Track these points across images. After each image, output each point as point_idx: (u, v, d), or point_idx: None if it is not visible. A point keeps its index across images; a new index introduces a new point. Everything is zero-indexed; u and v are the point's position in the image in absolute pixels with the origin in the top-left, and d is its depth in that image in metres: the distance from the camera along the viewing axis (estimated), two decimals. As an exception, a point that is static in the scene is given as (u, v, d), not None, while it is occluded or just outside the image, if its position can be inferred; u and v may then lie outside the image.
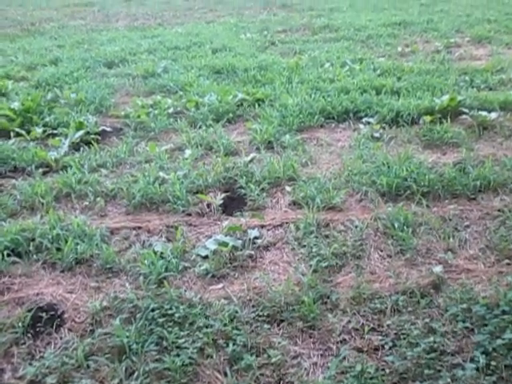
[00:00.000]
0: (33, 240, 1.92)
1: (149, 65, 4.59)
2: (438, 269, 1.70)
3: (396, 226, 1.95)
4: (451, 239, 1.89)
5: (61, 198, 2.33)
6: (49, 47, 5.98)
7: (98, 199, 2.25)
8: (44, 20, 8.55)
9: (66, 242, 1.86)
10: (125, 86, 4.13)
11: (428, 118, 3.03)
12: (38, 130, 3.12)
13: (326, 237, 1.93)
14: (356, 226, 1.98)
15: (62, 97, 3.79)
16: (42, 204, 2.23)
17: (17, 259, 1.84)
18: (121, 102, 3.78)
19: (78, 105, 3.57)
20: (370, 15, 7.62)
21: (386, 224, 1.99)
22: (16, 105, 3.51)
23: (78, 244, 1.87)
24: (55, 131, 3.15)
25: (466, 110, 3.15)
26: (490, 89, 3.82)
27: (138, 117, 3.22)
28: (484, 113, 3.09)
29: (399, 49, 5.23)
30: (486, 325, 1.42)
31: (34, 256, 1.86)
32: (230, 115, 3.25)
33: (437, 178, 2.31)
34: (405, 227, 1.94)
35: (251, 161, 2.53)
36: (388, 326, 1.46)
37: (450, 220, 2.04)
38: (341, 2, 9.54)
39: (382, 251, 1.86)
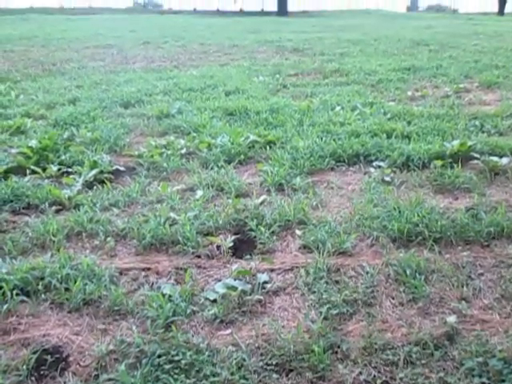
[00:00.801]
0: (42, 279, 1.92)
1: (163, 106, 4.71)
2: (451, 319, 1.66)
3: (408, 272, 1.92)
4: (465, 288, 1.86)
5: (72, 236, 2.35)
6: (68, 87, 6.17)
7: (109, 239, 2.26)
8: (65, 61, 8.87)
9: (75, 281, 1.86)
10: (139, 126, 4.23)
11: (439, 163, 3.04)
12: (54, 168, 3.18)
13: (337, 282, 1.90)
14: (367, 272, 1.95)
15: (79, 135, 3.89)
16: (53, 242, 2.25)
17: (25, 298, 1.83)
18: (135, 141, 3.86)
19: (94, 144, 3.65)
20: (379, 60, 7.81)
21: (397, 270, 1.96)
22: (34, 143, 3.60)
23: (86, 284, 1.86)
24: (70, 169, 3.21)
25: (476, 155, 3.17)
26: (501, 134, 3.84)
27: (151, 157, 3.28)
28: (495, 158, 3.10)
29: (409, 93, 5.32)
30: (503, 380, 1.37)
31: (43, 295, 1.85)
32: (242, 157, 3.29)
33: (449, 223, 2.29)
34: (417, 274, 1.91)
35: (262, 203, 2.54)
36: (401, 379, 1.41)
37: (464, 267, 2.01)
38: (351, 47, 9.82)
39: (393, 299, 1.82)
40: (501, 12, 48.25)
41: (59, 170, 3.19)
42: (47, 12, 29.15)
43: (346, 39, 11.45)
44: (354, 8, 48.48)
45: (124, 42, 11.83)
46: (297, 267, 2.02)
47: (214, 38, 12.31)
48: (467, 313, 1.72)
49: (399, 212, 2.37)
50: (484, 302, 1.79)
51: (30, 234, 2.34)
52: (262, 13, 37.45)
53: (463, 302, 1.77)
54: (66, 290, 1.85)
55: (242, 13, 37.45)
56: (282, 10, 36.30)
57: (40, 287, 1.88)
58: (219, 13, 37.01)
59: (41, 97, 5.56)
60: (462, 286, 1.86)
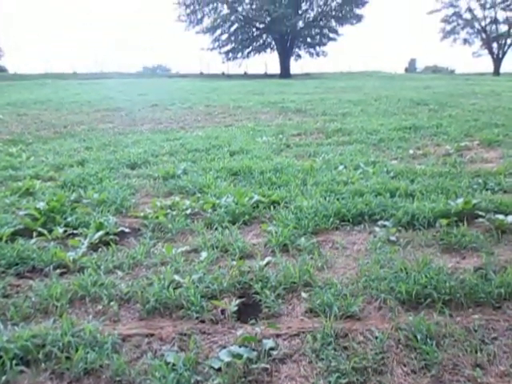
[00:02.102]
0: (43, 347, 1.87)
1: (169, 167, 4.81)
2: (467, 389, 1.58)
3: (419, 337, 1.86)
4: (479, 353, 1.79)
5: (75, 300, 2.31)
6: (77, 149, 6.34)
7: (112, 303, 2.22)
8: (76, 123, 9.18)
9: (77, 350, 1.81)
10: (145, 186, 4.29)
11: (444, 222, 3.03)
12: (60, 230, 3.20)
13: (345, 349, 1.84)
14: (376, 337, 1.89)
15: (86, 197, 3.94)
16: (56, 307, 2.21)
17: (24, 368, 1.78)
18: (141, 202, 3.90)
19: (100, 205, 3.69)
20: (381, 120, 8.03)
21: (407, 335, 1.90)
22: (41, 205, 3.64)
23: (88, 353, 1.81)
24: (76, 231, 3.22)
25: (482, 213, 3.16)
26: (505, 191, 3.85)
27: (157, 218, 3.30)
28: (501, 216, 3.09)
29: (411, 152, 5.42)
30: None
31: (43, 365, 1.79)
32: (246, 217, 3.30)
33: (458, 284, 2.25)
34: (428, 339, 1.85)
35: (266, 265, 2.52)
36: None
37: (476, 331, 1.94)
38: (352, 107, 10.14)
39: (405, 366, 1.75)
40: (496, 72, 50.10)
41: (65, 231, 3.21)
42: (62, 77, 30.64)
43: (347, 100, 11.85)
44: (354, 70, 50.58)
45: (133, 104, 12.30)
46: (303, 332, 1.96)
47: (219, 100, 12.79)
48: (483, 381, 1.64)
49: (406, 273, 2.34)
50: (500, 369, 1.71)
51: (34, 298, 2.31)
52: (266, 75, 39.14)
53: (478, 368, 1.70)
54: (67, 358, 1.80)
55: (246, 75, 39.14)
56: (285, 72, 37.95)
57: (40, 356, 1.82)
58: (224, 76, 38.72)
59: (51, 158, 5.70)
60: (476, 352, 1.79)
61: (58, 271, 2.60)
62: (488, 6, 49.42)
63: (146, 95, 15.52)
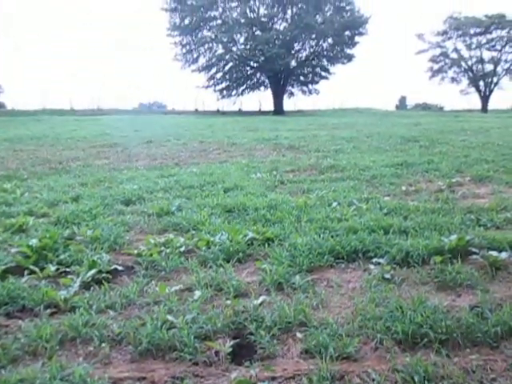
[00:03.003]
0: (30, 392, 1.81)
1: (164, 203, 4.82)
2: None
3: (416, 379, 1.83)
4: (478, 396, 1.75)
5: (66, 342, 2.26)
6: (72, 185, 6.34)
7: (104, 345, 2.17)
8: (71, 159, 9.22)
9: (65, 395, 1.76)
10: (140, 223, 4.28)
11: (438, 258, 3.04)
12: (52, 268, 3.16)
13: (342, 392, 1.80)
14: (373, 379, 1.86)
15: (79, 233, 3.92)
16: (46, 349, 2.16)
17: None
18: (135, 239, 3.88)
19: (94, 242, 3.66)
20: (373, 156, 8.15)
21: (405, 377, 1.86)
22: (34, 242, 3.61)
23: (77, 398, 1.76)
24: (68, 269, 3.18)
25: (475, 250, 3.17)
26: (497, 227, 3.88)
27: (150, 255, 3.28)
28: (494, 253, 3.10)
29: (403, 188, 5.47)
30: None
31: (29, 412, 1.74)
32: (241, 255, 3.29)
33: (454, 323, 2.23)
34: (426, 381, 1.82)
35: (261, 304, 2.49)
36: None
37: (474, 372, 1.91)
38: (345, 144, 10.31)
39: (403, 410, 1.71)
40: (484, 109, 51.44)
41: (57, 269, 3.16)
42: (59, 113, 31.04)
43: (340, 136, 12.05)
44: (346, 107, 51.73)
45: (129, 140, 12.43)
46: (299, 375, 1.92)
47: (214, 137, 12.96)
48: (483, 426, 1.60)
49: (402, 312, 2.32)
50: (500, 413, 1.68)
51: (23, 339, 2.25)
52: (260, 112, 39.87)
53: (477, 413, 1.67)
54: (55, 404, 1.74)
55: (240, 112, 39.85)
56: (279, 109, 38.72)
57: (27, 402, 1.77)
58: (219, 112, 39.39)
59: (45, 195, 5.69)
60: (475, 395, 1.76)
61: (49, 311, 2.55)
62: (473, 46, 51.37)
63: (141, 131, 15.71)
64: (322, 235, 3.52)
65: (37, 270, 3.12)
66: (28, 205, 5.10)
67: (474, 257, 3.10)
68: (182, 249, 3.44)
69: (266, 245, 3.46)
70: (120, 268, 3.19)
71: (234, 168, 7.31)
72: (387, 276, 2.86)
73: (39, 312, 2.56)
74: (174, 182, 6.07)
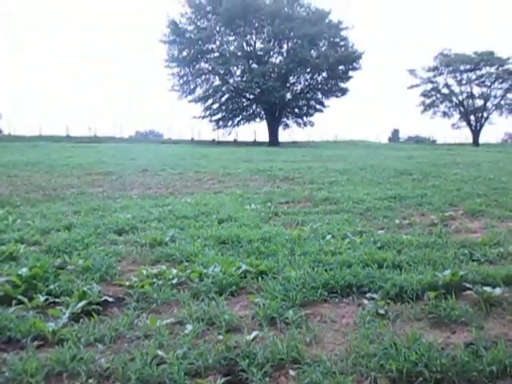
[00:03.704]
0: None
1: (157, 233, 4.79)
2: None
3: (411, 421, 1.79)
4: None
5: (52, 377, 2.19)
6: (65, 212, 6.29)
7: (91, 380, 2.11)
8: (66, 186, 9.20)
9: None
10: (132, 253, 4.24)
11: (432, 294, 3.02)
12: (41, 299, 3.10)
13: (335, 434, 1.75)
14: (367, 421, 1.81)
15: (70, 263, 3.86)
16: (31, 384, 2.09)
17: None
18: (127, 269, 3.83)
19: (85, 272, 3.61)
20: (366, 189, 8.21)
21: (399, 419, 1.82)
22: (24, 271, 3.55)
23: None
24: (58, 300, 3.12)
25: (469, 286, 3.16)
26: (491, 262, 3.88)
27: (142, 287, 3.23)
28: (488, 288, 3.09)
29: (397, 221, 5.49)
30: None
31: None
32: (234, 287, 3.25)
33: (449, 362, 2.20)
34: (421, 423, 1.77)
35: (254, 339, 2.45)
36: None
37: (470, 414, 1.88)
38: (339, 176, 10.39)
39: None
40: (475, 143, 52.40)
41: (46, 300, 3.10)
42: (55, 140, 31.17)
43: (333, 169, 12.16)
44: (340, 139, 52.44)
45: (124, 169, 12.45)
46: (291, 415, 1.87)
47: (209, 167, 13.03)
48: None
49: (396, 349, 2.29)
50: None
51: (7, 373, 2.19)
52: (255, 143, 40.32)
53: None
54: None
55: (235, 143, 40.26)
56: (274, 140, 39.18)
57: None
58: (215, 142, 39.77)
59: (37, 222, 5.64)
60: None
61: (36, 343, 2.49)
62: (464, 82, 52.83)
63: (137, 160, 15.76)
64: (315, 269, 3.50)
65: (25, 300, 3.07)
66: (20, 232, 5.05)
67: (468, 292, 3.09)
68: (175, 281, 3.39)
69: (260, 278, 3.42)
70: (110, 299, 3.13)
71: (228, 199, 7.32)
72: (381, 311, 2.83)
73: (26, 344, 2.49)
74: (168, 212, 6.05)
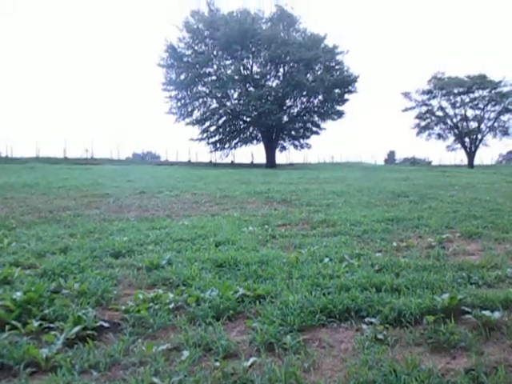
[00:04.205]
0: None
1: (154, 256, 4.75)
2: None
3: None
4: None
5: (44, 406, 2.15)
6: (61, 235, 6.25)
7: (84, 410, 2.07)
8: (62, 208, 9.15)
9: None
10: (129, 277, 4.20)
11: (431, 318, 3.00)
12: (35, 324, 3.05)
13: None
14: None
15: (66, 287, 3.82)
16: (22, 414, 2.04)
17: None
18: (123, 293, 3.79)
19: (80, 296, 3.57)
20: (364, 211, 8.21)
21: None
22: (18, 295, 3.50)
23: None
24: (52, 325, 3.08)
25: (468, 310, 3.14)
26: (489, 285, 3.87)
27: (138, 311, 3.19)
28: (487, 312, 3.07)
29: (394, 244, 5.48)
30: None
31: None
32: (231, 312, 3.22)
33: (450, 389, 2.17)
34: None
35: (251, 366, 2.41)
36: None
37: None
38: (336, 198, 10.41)
39: None
40: (470, 165, 52.85)
41: (41, 325, 3.06)
42: (52, 161, 31.23)
43: (330, 190, 12.20)
44: (337, 160, 52.75)
45: (121, 191, 12.44)
46: None
47: (207, 189, 13.05)
48: None
49: (396, 376, 2.26)
50: None
51: (-1, 402, 2.14)
52: (252, 165, 40.49)
53: None
54: None
55: (233, 165, 40.43)
56: (271, 162, 39.42)
57: None
58: (212, 164, 39.93)
59: (33, 245, 5.60)
60: None
61: (29, 370, 2.45)
62: (458, 104, 53.63)
63: (134, 182, 15.78)
64: (313, 293, 3.47)
65: (19, 325, 3.02)
66: (15, 255, 5.01)
67: (467, 316, 3.07)
68: (171, 305, 3.36)
69: (257, 302, 3.39)
70: (106, 325, 3.09)
71: (225, 221, 7.30)
72: (380, 336, 2.80)
73: (19, 371, 2.45)
74: (165, 235, 6.03)
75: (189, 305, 3.35)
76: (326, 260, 4.54)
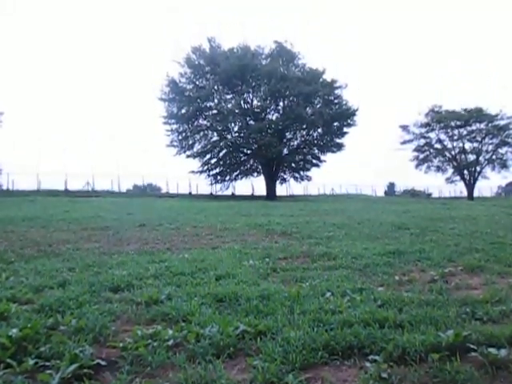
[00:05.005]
0: None
1: (153, 291, 4.69)
2: None
3: None
4: None
5: None
6: (60, 269, 6.20)
7: None
8: (61, 242, 9.12)
9: None
10: (127, 312, 4.13)
11: (436, 356, 2.93)
12: (30, 362, 2.98)
13: None
14: None
15: (63, 323, 3.75)
16: None
17: None
18: (121, 330, 3.72)
19: (77, 333, 3.50)
20: (365, 244, 8.17)
21: None
22: (14, 331, 3.44)
23: None
24: (48, 363, 3.01)
25: (473, 347, 3.07)
26: (494, 321, 3.79)
27: (136, 349, 3.13)
28: (493, 350, 3.00)
29: (396, 278, 5.42)
30: None
31: None
32: (231, 349, 3.14)
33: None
34: None
35: (252, 407, 2.34)
36: None
37: None
38: (337, 230, 10.38)
39: None
40: (470, 197, 52.95)
41: (36, 363, 2.99)
42: (53, 194, 31.32)
43: (331, 223, 12.17)
44: (337, 192, 52.91)
45: (121, 224, 12.42)
46: None
47: (207, 221, 13.03)
48: None
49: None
50: None
51: None
52: (253, 197, 40.57)
53: None
54: None
55: (233, 196, 40.52)
56: (271, 194, 39.51)
57: None
58: (212, 196, 40.02)
59: (31, 279, 5.54)
60: None
61: (23, 413, 2.37)
62: (456, 137, 54.28)
63: (134, 214, 15.77)
64: (315, 329, 3.40)
65: (14, 363, 2.95)
66: (12, 290, 4.95)
67: (473, 354, 3.00)
68: (171, 342, 3.28)
69: (258, 339, 3.32)
70: (103, 363, 3.02)
71: (226, 254, 7.25)
72: (384, 375, 2.73)
73: (11, 414, 2.37)
74: (165, 268, 5.97)
75: (188, 342, 3.28)
76: (328, 294, 4.48)
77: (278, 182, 42.30)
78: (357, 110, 40.89)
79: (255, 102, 41.03)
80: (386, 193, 65.06)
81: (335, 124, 40.84)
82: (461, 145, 54.24)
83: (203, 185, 42.98)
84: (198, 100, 39.22)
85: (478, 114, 51.87)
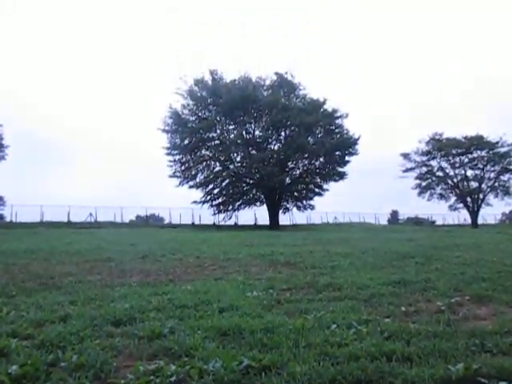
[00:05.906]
0: None
1: (156, 324, 4.61)
2: None
3: None
4: None
5: None
6: (62, 302, 6.12)
7: None
8: (63, 274, 9.03)
9: None
10: (129, 347, 4.05)
11: (446, 391, 2.85)
12: (30, 402, 2.92)
13: None
14: None
15: (63, 359, 3.68)
16: None
17: None
18: (123, 365, 3.64)
19: (78, 369, 3.43)
20: (369, 273, 8.07)
21: None
22: (14, 368, 3.39)
23: None
24: (47, 403, 2.94)
25: (484, 380, 3.00)
26: (504, 353, 3.71)
27: (138, 386, 3.06)
28: (504, 383, 2.93)
29: (403, 308, 5.32)
30: None
31: None
32: (235, 388, 3.07)
33: None
34: None
35: None
36: None
37: None
38: (341, 260, 10.27)
39: None
40: (474, 224, 52.65)
41: (35, 404, 2.92)
42: (55, 226, 31.34)
43: (335, 252, 12.07)
44: (340, 220, 52.74)
45: (123, 255, 12.35)
46: None
47: (210, 252, 12.94)
48: None
49: None
50: None
51: None
52: (255, 226, 40.47)
53: None
54: None
55: (236, 226, 40.42)
56: (274, 223, 39.43)
57: None
58: (215, 227, 39.92)
59: (32, 313, 5.47)
60: None
61: None
62: (457, 165, 54.51)
63: (137, 245, 15.69)
64: (321, 363, 3.33)
65: (13, 403, 2.88)
66: (12, 325, 4.88)
67: (484, 388, 2.92)
68: (173, 378, 3.21)
69: (263, 373, 3.24)
70: (104, 402, 2.94)
71: (229, 285, 7.16)
72: (393, 412, 2.65)
73: None
74: (168, 301, 5.89)
75: (191, 378, 3.21)
76: (334, 327, 4.39)
77: (280, 211, 42.26)
78: (358, 138, 41.30)
79: (257, 133, 41.53)
80: (389, 221, 64.83)
81: (337, 153, 41.14)
82: (463, 172, 54.43)
83: (206, 215, 42.98)
84: (201, 131, 39.74)
85: (478, 142, 52.27)
